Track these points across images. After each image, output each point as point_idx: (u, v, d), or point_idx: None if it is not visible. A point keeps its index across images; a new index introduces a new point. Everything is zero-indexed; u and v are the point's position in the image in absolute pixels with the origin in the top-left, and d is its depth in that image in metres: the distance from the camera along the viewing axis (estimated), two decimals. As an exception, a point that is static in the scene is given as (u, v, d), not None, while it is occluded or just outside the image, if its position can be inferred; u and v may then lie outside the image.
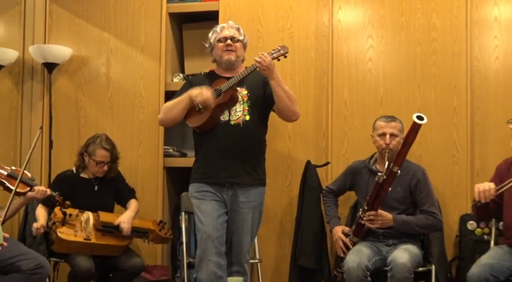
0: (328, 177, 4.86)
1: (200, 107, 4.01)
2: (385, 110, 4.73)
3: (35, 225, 4.27)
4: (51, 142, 5.20)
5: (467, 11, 4.80)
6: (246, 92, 4.09)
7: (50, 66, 5.22)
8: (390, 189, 4.26)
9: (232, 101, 4.03)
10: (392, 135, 4.37)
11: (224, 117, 4.05)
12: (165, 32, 5.21)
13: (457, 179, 4.75)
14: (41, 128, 4.25)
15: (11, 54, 5.03)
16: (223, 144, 4.03)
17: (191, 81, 4.25)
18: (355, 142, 4.88)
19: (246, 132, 4.05)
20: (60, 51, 5.21)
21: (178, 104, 4.08)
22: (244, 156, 4.07)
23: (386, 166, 4.21)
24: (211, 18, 5.07)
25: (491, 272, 3.83)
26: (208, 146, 4.11)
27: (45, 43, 5.34)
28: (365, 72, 4.95)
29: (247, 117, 4.06)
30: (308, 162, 4.87)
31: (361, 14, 4.98)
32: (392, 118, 4.46)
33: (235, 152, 4.03)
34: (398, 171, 4.19)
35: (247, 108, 4.07)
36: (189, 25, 5.36)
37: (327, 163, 4.91)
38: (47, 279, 4.48)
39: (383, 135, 4.38)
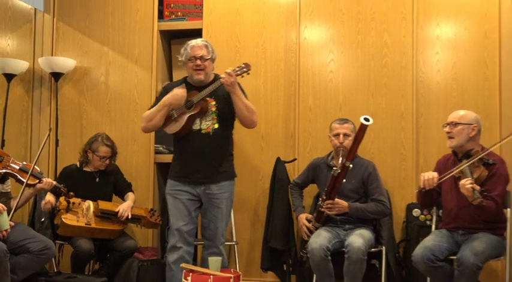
0: (295, 171, 4.88)
1: (176, 115, 4.02)
2: (344, 114, 4.72)
3: (43, 201, 4.31)
4: (57, 141, 5.20)
5: (413, 30, 4.85)
6: (214, 102, 4.04)
7: (56, 76, 5.22)
8: (345, 181, 4.30)
9: (203, 111, 3.99)
10: (345, 135, 4.41)
11: (196, 126, 4.02)
12: (156, 47, 5.22)
13: (404, 173, 4.80)
14: (50, 129, 4.26)
15: (22, 65, 5.02)
16: (196, 150, 4.03)
17: (167, 88, 4.17)
18: (318, 141, 4.91)
19: (215, 139, 4.04)
20: (66, 62, 5.21)
21: (157, 113, 4.04)
22: (214, 159, 4.06)
23: (340, 161, 4.28)
24: (196, 34, 5.04)
25: (432, 252, 3.87)
26: (183, 150, 4.11)
27: (52, 55, 5.35)
28: (327, 82, 4.99)
29: (216, 126, 4.03)
30: (278, 159, 4.90)
31: (324, 33, 5.02)
32: (345, 120, 4.49)
33: (206, 156, 4.03)
34: (350, 165, 4.23)
35: (215, 117, 4.03)
36: (177, 40, 5.35)
37: (294, 159, 4.94)
38: (53, 259, 4.53)
39: (337, 135, 4.42)
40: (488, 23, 4.78)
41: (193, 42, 4.08)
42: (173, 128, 4.08)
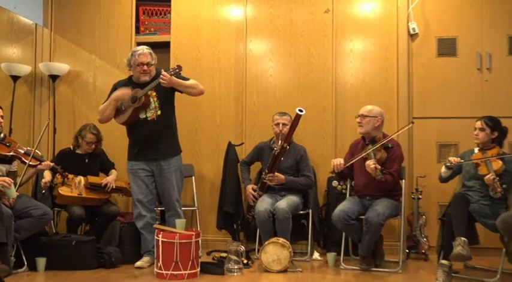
0: (242, 152, 4.89)
1: (123, 108, 3.98)
2: (280, 108, 4.74)
3: (43, 181, 4.26)
4: (55, 129, 5.12)
5: (332, 45, 4.92)
6: (155, 93, 3.97)
7: (53, 77, 5.13)
8: (283, 159, 4.38)
9: (146, 104, 3.94)
10: (283, 124, 4.47)
11: (142, 115, 3.98)
12: (133, 55, 5.18)
13: (326, 153, 4.87)
14: (48, 120, 4.20)
15: (25, 69, 4.92)
16: (145, 134, 4.00)
17: (116, 86, 4.09)
18: (260, 129, 4.93)
19: (160, 123, 4.01)
20: (61, 67, 5.13)
21: (108, 106, 4.01)
22: (161, 139, 4.03)
23: (279, 143, 4.34)
24: (165, 46, 5.06)
25: (347, 213, 3.99)
26: (135, 135, 4.08)
27: (50, 61, 5.22)
28: (267, 83, 5.02)
29: (159, 112, 3.99)
30: (229, 143, 4.91)
31: (265, 45, 5.05)
32: (284, 113, 4.55)
33: (154, 138, 4.01)
34: (287, 146, 4.32)
35: (158, 106, 3.99)
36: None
37: (242, 143, 4.96)
38: (52, 223, 4.50)
39: (278, 124, 4.48)
40: (388, 40, 4.88)
41: (140, 50, 3.99)
42: (121, 119, 4.05)
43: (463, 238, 3.51)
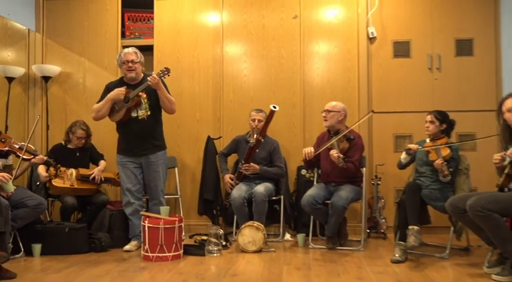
0: (220, 145, 4.88)
1: (117, 107, 3.96)
2: (254, 105, 4.76)
3: (42, 175, 4.19)
4: (47, 126, 5.05)
5: (300, 47, 4.94)
6: (145, 95, 3.97)
7: (46, 78, 5.04)
8: (258, 151, 4.39)
9: (137, 104, 3.95)
10: (259, 120, 4.48)
11: (134, 114, 3.99)
12: (120, 58, 5.11)
13: (295, 145, 4.89)
14: (39, 116, 4.11)
15: (20, 70, 4.82)
16: (136, 131, 4.00)
17: (109, 87, 4.07)
18: (236, 124, 4.92)
19: (149, 122, 4.02)
20: (53, 68, 5.04)
21: (103, 106, 3.97)
22: (149, 136, 4.04)
23: (255, 136, 4.34)
24: (149, 49, 4.99)
25: (314, 198, 4.02)
26: (126, 132, 4.07)
27: (42, 63, 5.12)
28: (242, 83, 5.01)
29: (149, 113, 4.00)
30: (208, 136, 4.91)
31: (239, 48, 5.03)
32: (259, 110, 4.55)
33: (143, 135, 4.02)
34: (262, 139, 4.33)
35: (147, 107, 4.00)
36: (135, 53, 5.26)
37: (220, 137, 4.95)
38: (46, 212, 4.45)
39: (254, 120, 4.49)
40: (350, 43, 4.92)
41: (126, 50, 4.04)
42: (115, 118, 4.04)
43: (415, 227, 3.57)
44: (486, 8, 4.84)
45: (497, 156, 3.20)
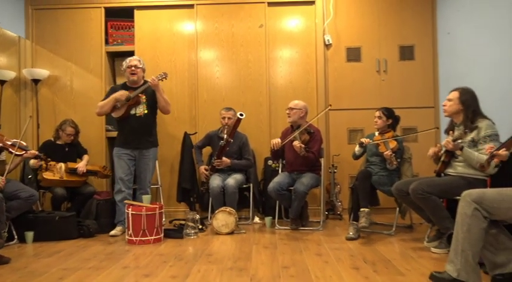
0: (196, 140, 4.80)
1: (119, 106, 3.94)
2: (226, 104, 4.72)
3: (31, 162, 4.06)
4: (38, 125, 4.87)
5: (266, 52, 4.91)
6: (144, 97, 4.02)
7: (36, 81, 4.86)
8: (228, 149, 4.36)
9: (137, 103, 3.98)
10: (229, 118, 4.45)
11: (133, 111, 3.99)
12: (104, 62, 4.96)
13: (262, 139, 4.86)
14: (31, 116, 3.98)
15: (11, 74, 4.63)
16: (133, 127, 3.99)
17: (114, 88, 4.12)
18: (210, 121, 4.86)
19: (145, 120, 4.02)
20: (42, 72, 4.86)
21: (108, 103, 3.96)
22: (145, 133, 4.03)
23: (225, 137, 4.30)
24: (130, 54, 4.83)
25: (279, 185, 4.03)
26: (125, 128, 4.04)
27: (32, 67, 4.93)
28: (215, 84, 4.95)
29: (146, 111, 4.01)
30: (185, 132, 4.85)
31: (212, 54, 4.97)
32: (229, 109, 4.52)
33: (139, 131, 4.00)
34: (231, 140, 4.29)
35: (145, 106, 4.02)
36: (118, 58, 5.10)
37: (195, 133, 4.88)
38: (38, 202, 4.29)
39: (224, 118, 4.45)
40: (309, 49, 4.93)
41: (131, 57, 4.12)
42: (117, 114, 4.02)
43: (366, 209, 3.62)
44: (425, 19, 4.93)
45: (430, 152, 3.30)
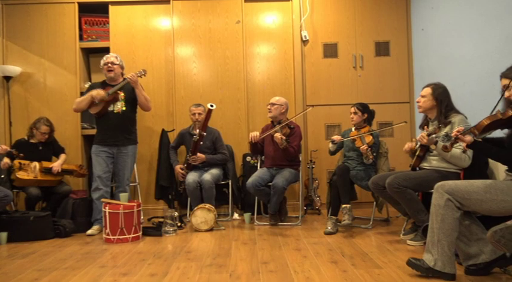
0: (174, 136, 4.75)
1: (97, 102, 3.89)
2: (203, 101, 4.70)
3: (2, 162, 3.95)
4: (10, 122, 4.75)
5: (243, 49, 4.89)
6: (122, 94, 4.00)
7: (7, 78, 4.73)
8: (202, 143, 4.34)
9: (115, 99, 3.97)
10: (199, 113, 4.43)
11: (111, 108, 3.97)
12: (78, 59, 4.85)
13: (240, 135, 4.86)
14: None
15: (-19, 71, 4.50)
16: (111, 124, 3.96)
17: (92, 86, 4.08)
18: (188, 118, 4.76)
19: (123, 117, 4.00)
20: (13, 69, 4.73)
21: (84, 100, 3.93)
22: (123, 130, 4.00)
23: (197, 131, 4.28)
24: (105, 50, 4.78)
25: (258, 181, 4.02)
26: (102, 124, 4.01)
27: (3, 64, 4.80)
28: (192, 81, 4.91)
29: (124, 108, 3.99)
30: (163, 129, 4.81)
31: (189, 50, 4.92)
32: (198, 104, 4.51)
33: (118, 128, 3.98)
34: (204, 134, 4.26)
35: (124, 103, 3.99)
36: (93, 54, 5.02)
37: (173, 130, 4.84)
38: (12, 203, 4.19)
39: (194, 114, 4.45)
40: (286, 45, 4.93)
41: (108, 55, 4.09)
42: (94, 110, 3.98)
43: (348, 205, 3.66)
44: (400, 16, 5.00)
45: (406, 147, 3.36)
